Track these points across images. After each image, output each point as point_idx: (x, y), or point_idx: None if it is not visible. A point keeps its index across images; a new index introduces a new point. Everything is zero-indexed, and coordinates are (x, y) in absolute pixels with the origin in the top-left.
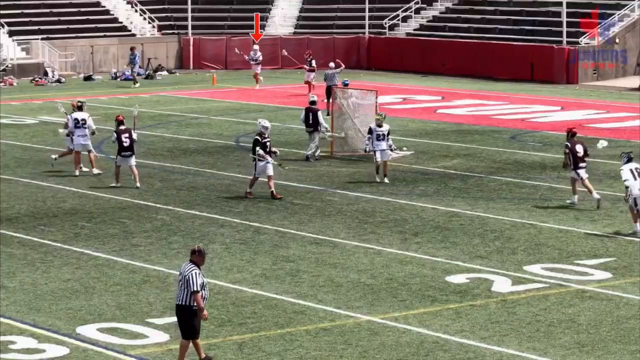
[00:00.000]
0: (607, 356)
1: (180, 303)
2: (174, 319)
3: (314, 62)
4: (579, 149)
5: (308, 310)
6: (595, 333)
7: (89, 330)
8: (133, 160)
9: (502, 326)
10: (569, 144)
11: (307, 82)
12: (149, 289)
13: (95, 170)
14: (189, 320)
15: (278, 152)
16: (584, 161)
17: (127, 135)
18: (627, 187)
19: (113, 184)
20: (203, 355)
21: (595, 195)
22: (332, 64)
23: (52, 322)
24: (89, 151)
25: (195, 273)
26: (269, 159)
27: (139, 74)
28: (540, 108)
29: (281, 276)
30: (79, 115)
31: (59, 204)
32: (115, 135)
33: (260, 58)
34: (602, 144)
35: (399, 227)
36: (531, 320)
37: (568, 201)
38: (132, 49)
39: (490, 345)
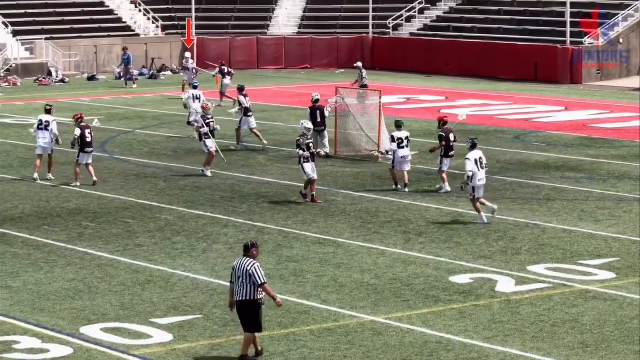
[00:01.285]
0: (611, 356)
1: (243, 299)
2: (178, 319)
3: (227, 69)
4: (452, 137)
5: (312, 310)
6: (599, 333)
7: (93, 330)
8: (91, 158)
9: (506, 326)
10: (443, 133)
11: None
12: (152, 289)
13: (50, 176)
14: (254, 314)
15: (322, 152)
16: (453, 149)
17: (89, 131)
18: (468, 177)
19: (75, 185)
20: (259, 348)
21: (447, 187)
22: (359, 63)
23: (55, 322)
24: (49, 155)
25: (258, 266)
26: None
27: (133, 76)
28: (544, 108)
29: (285, 276)
30: (44, 117)
31: (62, 204)
32: (79, 130)
33: (192, 65)
34: (462, 116)
35: (403, 227)
36: (535, 321)
37: (437, 186)
38: (124, 49)
39: (494, 345)
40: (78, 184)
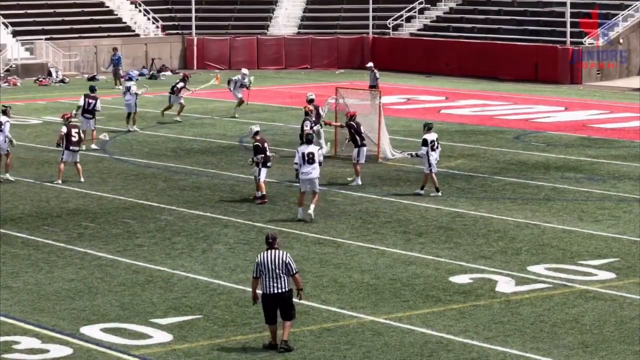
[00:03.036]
0: (611, 356)
1: (283, 290)
2: (178, 319)
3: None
4: (361, 129)
5: (312, 310)
6: (599, 333)
7: (93, 331)
8: (78, 156)
9: (506, 326)
10: (354, 124)
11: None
12: (152, 289)
13: (8, 176)
14: (291, 302)
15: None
16: (364, 139)
17: (76, 130)
18: (417, 154)
19: (57, 182)
20: (286, 338)
21: (359, 180)
22: (370, 64)
23: (55, 322)
24: (6, 154)
25: (291, 256)
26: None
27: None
28: (544, 108)
29: None
30: (2, 118)
31: (62, 204)
32: (65, 129)
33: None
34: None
35: (403, 227)
36: (535, 321)
37: (349, 178)
38: (114, 49)
39: (494, 345)
40: (59, 181)
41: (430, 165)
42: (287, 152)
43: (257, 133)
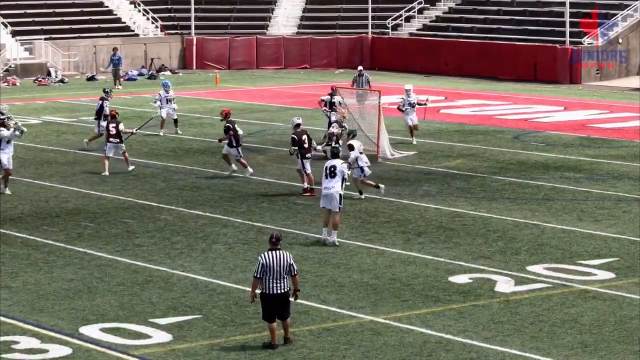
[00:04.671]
0: (610, 356)
1: (286, 290)
2: (177, 319)
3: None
4: (237, 127)
5: (311, 310)
6: (598, 333)
7: (92, 331)
8: (123, 147)
9: (505, 326)
10: (229, 124)
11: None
12: (151, 289)
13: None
14: (289, 302)
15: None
16: (239, 139)
17: (114, 125)
18: (348, 162)
19: (104, 174)
20: (288, 335)
21: (249, 170)
22: (360, 67)
23: (55, 322)
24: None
25: (293, 257)
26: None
27: (120, 78)
28: (544, 108)
29: None
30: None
31: (61, 204)
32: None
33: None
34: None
35: (402, 227)
36: (534, 321)
37: (226, 173)
38: (114, 49)
39: (493, 345)
40: (106, 173)
41: (362, 170)
42: (286, 152)
43: (297, 125)
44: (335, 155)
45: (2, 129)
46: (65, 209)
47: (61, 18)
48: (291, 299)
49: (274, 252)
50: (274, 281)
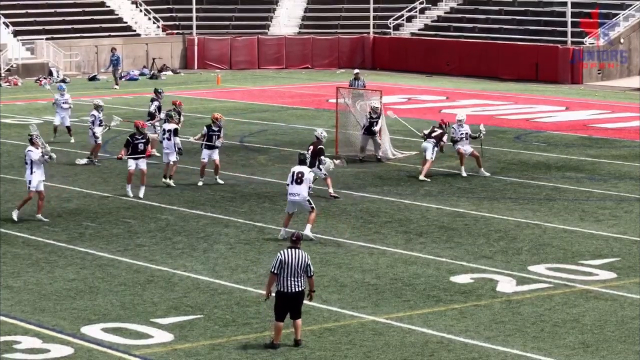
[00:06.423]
0: (612, 356)
1: (301, 289)
2: (179, 319)
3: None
4: (215, 127)
5: (312, 310)
6: (600, 333)
7: (94, 330)
8: (144, 164)
9: (507, 326)
10: (206, 128)
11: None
12: (153, 289)
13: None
14: (302, 302)
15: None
16: (213, 141)
17: (142, 138)
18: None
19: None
20: (299, 337)
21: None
22: (357, 71)
23: (56, 322)
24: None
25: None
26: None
27: (118, 78)
28: (545, 108)
29: None
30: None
31: (63, 204)
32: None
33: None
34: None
35: (404, 227)
36: (536, 321)
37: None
38: (112, 49)
39: (494, 345)
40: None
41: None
42: (287, 152)
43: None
44: (302, 162)
45: (31, 148)
46: (66, 208)
47: (63, 18)
48: (306, 300)
49: (293, 250)
50: (291, 278)
